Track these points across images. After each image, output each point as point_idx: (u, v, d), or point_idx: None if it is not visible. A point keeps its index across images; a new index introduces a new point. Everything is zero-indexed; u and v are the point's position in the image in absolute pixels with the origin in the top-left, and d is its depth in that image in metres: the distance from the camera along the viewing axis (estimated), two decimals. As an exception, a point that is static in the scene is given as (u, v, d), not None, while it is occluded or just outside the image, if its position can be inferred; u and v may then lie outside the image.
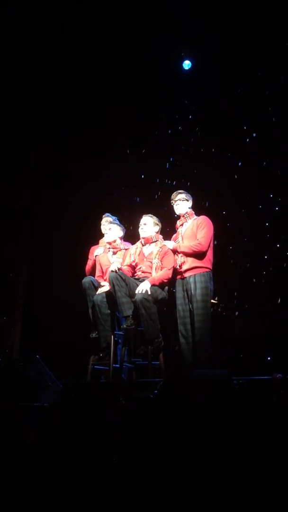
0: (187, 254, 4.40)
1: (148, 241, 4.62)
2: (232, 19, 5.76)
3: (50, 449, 2.54)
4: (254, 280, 5.69)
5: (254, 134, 5.94)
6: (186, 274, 4.39)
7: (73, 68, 6.38)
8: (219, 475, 2.22)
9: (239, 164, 5.96)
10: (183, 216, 4.60)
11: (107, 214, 5.14)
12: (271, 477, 2.22)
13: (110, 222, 4.92)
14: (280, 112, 5.77)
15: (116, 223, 4.91)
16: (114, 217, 5.09)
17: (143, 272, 4.51)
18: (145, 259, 4.56)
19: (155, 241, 4.59)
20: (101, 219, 5.13)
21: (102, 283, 4.68)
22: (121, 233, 4.87)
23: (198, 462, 2.27)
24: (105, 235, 4.92)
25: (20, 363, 4.44)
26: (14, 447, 2.77)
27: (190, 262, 4.38)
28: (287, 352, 4.96)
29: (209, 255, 4.43)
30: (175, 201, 4.63)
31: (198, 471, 2.25)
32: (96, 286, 4.72)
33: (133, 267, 4.61)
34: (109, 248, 4.85)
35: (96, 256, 4.95)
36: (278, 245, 5.67)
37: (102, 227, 5.09)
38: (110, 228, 4.83)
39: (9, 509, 2.35)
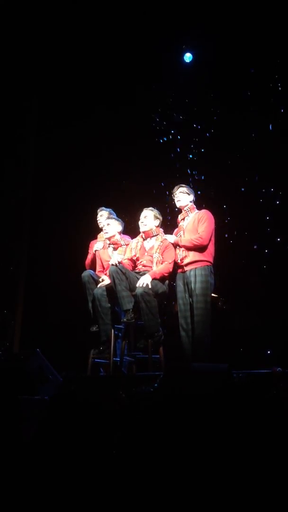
0: (188, 248, 4.38)
1: (148, 235, 4.60)
2: (232, 13, 5.73)
3: (49, 442, 2.55)
4: (254, 274, 5.69)
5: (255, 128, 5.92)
6: (187, 268, 4.38)
7: (72, 62, 6.36)
8: (218, 468, 2.23)
9: (240, 158, 5.94)
10: (184, 210, 4.58)
11: (102, 208, 5.11)
12: (270, 470, 2.23)
13: (108, 217, 4.87)
14: (281, 106, 5.75)
15: (114, 218, 4.87)
16: (108, 209, 5.06)
17: (144, 266, 4.51)
18: (146, 253, 4.55)
19: (155, 235, 4.58)
20: (96, 213, 5.12)
21: (103, 277, 4.67)
22: (119, 228, 4.83)
23: (197, 456, 2.28)
24: (103, 230, 4.89)
25: (20, 357, 4.43)
26: (14, 439, 2.78)
27: (191, 256, 4.37)
28: (287, 345, 4.96)
29: (210, 248, 4.42)
30: (176, 194, 4.61)
31: (197, 464, 2.25)
32: (96, 279, 4.71)
33: (133, 261, 4.60)
34: (109, 244, 4.82)
35: (96, 251, 4.93)
36: (278, 239, 5.67)
37: (98, 221, 5.07)
38: (108, 224, 4.79)
39: (9, 500, 2.36)
